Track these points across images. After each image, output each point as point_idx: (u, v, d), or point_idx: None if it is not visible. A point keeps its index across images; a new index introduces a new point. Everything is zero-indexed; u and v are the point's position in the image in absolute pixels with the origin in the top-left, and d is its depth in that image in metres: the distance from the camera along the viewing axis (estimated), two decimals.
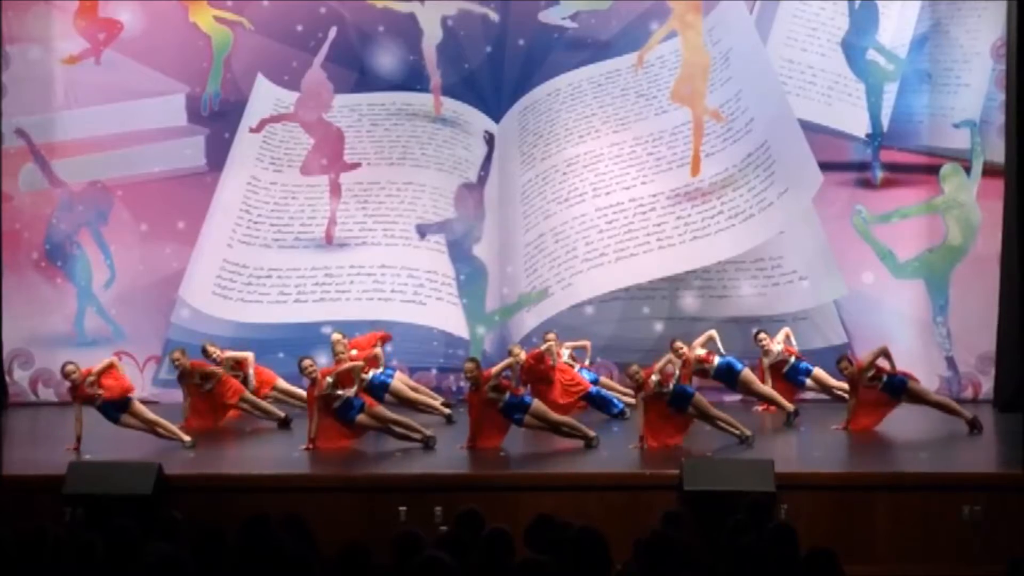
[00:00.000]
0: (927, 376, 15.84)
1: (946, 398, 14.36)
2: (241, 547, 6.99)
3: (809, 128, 16.12)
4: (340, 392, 12.72)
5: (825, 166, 16.07)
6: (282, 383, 14.68)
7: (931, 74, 16.14)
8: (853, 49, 16.24)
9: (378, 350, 14.56)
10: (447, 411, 14.53)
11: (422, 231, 16.43)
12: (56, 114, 16.33)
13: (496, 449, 12.62)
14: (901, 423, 14.07)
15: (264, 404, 14.43)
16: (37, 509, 10.79)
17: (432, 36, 16.33)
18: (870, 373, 13.55)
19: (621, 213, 16.30)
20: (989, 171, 15.89)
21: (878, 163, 16.16)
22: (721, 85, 16.34)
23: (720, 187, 16.20)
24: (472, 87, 16.45)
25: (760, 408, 14.72)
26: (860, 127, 16.19)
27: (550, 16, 16.33)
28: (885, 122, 16.13)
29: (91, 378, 12.77)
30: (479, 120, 16.50)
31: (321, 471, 12.25)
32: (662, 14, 16.33)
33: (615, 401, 14.38)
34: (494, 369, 12.89)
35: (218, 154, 16.40)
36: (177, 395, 14.45)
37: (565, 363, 14.61)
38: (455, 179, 16.48)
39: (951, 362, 15.97)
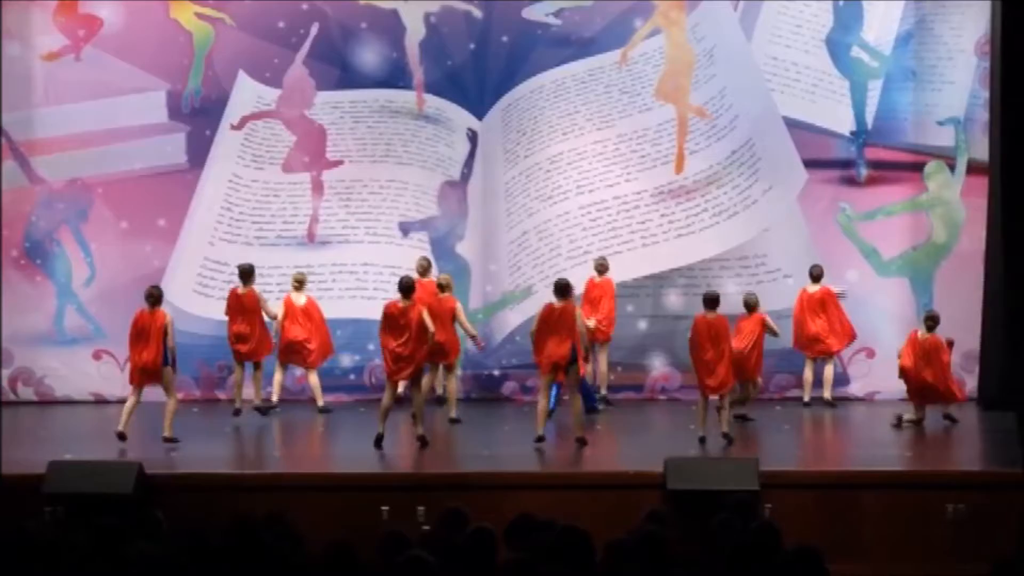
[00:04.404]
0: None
1: None
2: (226, 547, 6.93)
3: (793, 125, 16.10)
4: None
5: (810, 163, 16.05)
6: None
7: (915, 71, 16.13)
8: (837, 46, 16.22)
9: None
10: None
11: (405, 229, 16.36)
12: (36, 111, 16.23)
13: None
14: (884, 422, 14.07)
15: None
16: (17, 508, 10.69)
17: (415, 33, 16.27)
18: None
19: (605, 211, 16.26)
20: (973, 169, 15.89)
21: (863, 160, 16.14)
22: (705, 82, 16.31)
23: (704, 185, 16.16)
24: (455, 84, 16.39)
25: None
26: (845, 124, 16.16)
27: (534, 13, 16.27)
28: (869, 119, 16.11)
29: None
30: (462, 117, 16.43)
31: (304, 470, 12.20)
32: (646, 11, 16.28)
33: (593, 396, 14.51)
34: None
35: (199, 151, 16.31)
36: (156, 393, 14.16)
37: None
38: (438, 176, 16.42)
39: None
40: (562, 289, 12.99)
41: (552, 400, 13.68)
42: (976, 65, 15.96)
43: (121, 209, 16.27)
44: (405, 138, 16.46)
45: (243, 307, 14.56)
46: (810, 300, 15.16)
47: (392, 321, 13.00)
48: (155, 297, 13.25)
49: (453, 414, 14.53)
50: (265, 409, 14.66)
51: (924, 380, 13.86)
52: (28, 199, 16.25)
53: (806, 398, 15.28)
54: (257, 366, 14.73)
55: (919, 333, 14.03)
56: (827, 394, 15.25)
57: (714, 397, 13.13)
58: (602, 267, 15.34)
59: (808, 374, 15.31)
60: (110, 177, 16.30)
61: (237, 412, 14.44)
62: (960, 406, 14.91)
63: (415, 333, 12.93)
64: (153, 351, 13.03)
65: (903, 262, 16.10)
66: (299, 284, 15.10)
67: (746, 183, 16.10)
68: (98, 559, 6.86)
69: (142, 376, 13.17)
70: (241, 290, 14.59)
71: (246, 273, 14.64)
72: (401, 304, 13.02)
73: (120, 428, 12.94)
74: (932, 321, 14.05)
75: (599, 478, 11.62)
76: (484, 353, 16.11)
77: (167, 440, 13.02)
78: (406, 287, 13.06)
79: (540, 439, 12.83)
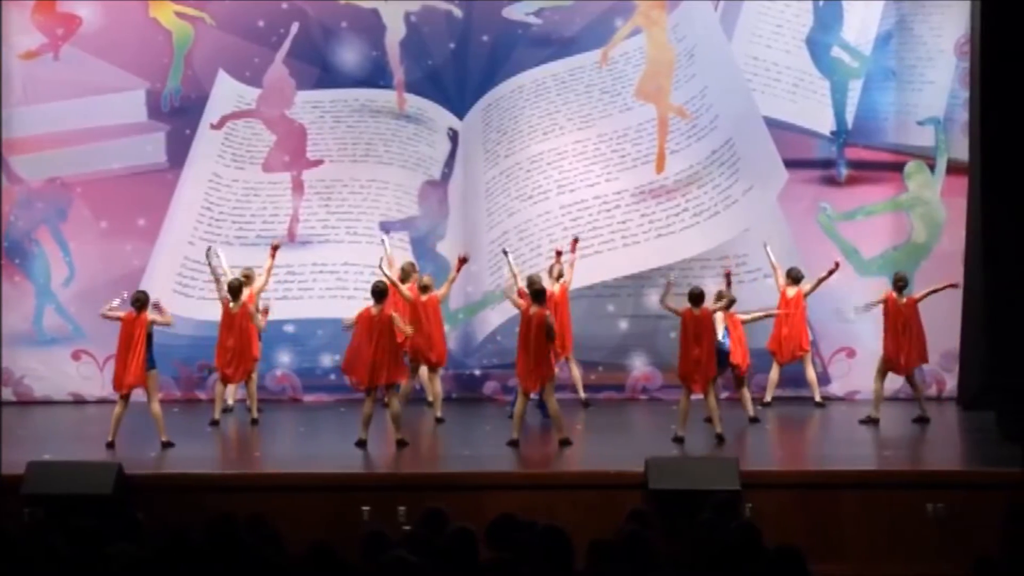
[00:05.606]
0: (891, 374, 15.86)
1: None
2: (207, 548, 6.90)
3: (774, 125, 16.12)
4: None
5: (790, 163, 16.06)
6: None
7: (896, 71, 16.17)
8: (818, 46, 16.25)
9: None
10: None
11: (386, 228, 16.33)
12: (14, 110, 16.15)
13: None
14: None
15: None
16: None
17: (395, 32, 16.24)
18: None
19: (586, 211, 16.25)
20: (953, 168, 15.94)
21: (843, 160, 16.17)
22: (686, 82, 16.31)
23: (685, 184, 16.17)
24: (436, 83, 16.36)
25: None
26: (825, 124, 16.19)
27: (514, 12, 16.25)
28: (850, 119, 16.15)
29: None
30: (443, 117, 16.41)
31: (284, 470, 12.15)
32: (626, 10, 16.29)
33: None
34: None
35: (179, 151, 16.26)
36: (135, 393, 14.11)
37: None
38: (419, 176, 16.39)
39: None
40: (540, 294, 12.96)
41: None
42: (956, 65, 16.01)
43: (100, 209, 16.20)
44: (386, 137, 16.43)
45: (235, 324, 14.22)
46: (785, 304, 15.14)
47: (367, 327, 12.96)
48: (141, 302, 13.13)
49: (439, 414, 14.50)
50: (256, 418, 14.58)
51: (900, 349, 13.97)
52: (7, 199, 16.17)
53: (767, 398, 15.26)
54: (250, 378, 14.60)
55: (895, 297, 14.10)
56: (816, 396, 15.25)
57: (698, 395, 13.13)
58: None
59: (773, 374, 15.30)
60: (89, 177, 16.23)
61: (215, 423, 14.28)
62: (940, 404, 14.95)
63: (387, 338, 12.89)
64: (139, 356, 12.93)
65: (884, 262, 16.13)
66: (247, 279, 14.89)
67: (727, 183, 16.11)
68: (77, 560, 6.83)
69: (127, 379, 13.01)
70: (233, 307, 14.20)
71: (235, 290, 14.24)
72: (374, 310, 12.99)
73: (110, 438, 12.85)
74: (902, 281, 14.16)
75: (580, 478, 11.61)
76: (465, 353, 16.09)
77: (166, 444, 12.93)
78: (378, 292, 13.02)
79: (514, 443, 12.83)
